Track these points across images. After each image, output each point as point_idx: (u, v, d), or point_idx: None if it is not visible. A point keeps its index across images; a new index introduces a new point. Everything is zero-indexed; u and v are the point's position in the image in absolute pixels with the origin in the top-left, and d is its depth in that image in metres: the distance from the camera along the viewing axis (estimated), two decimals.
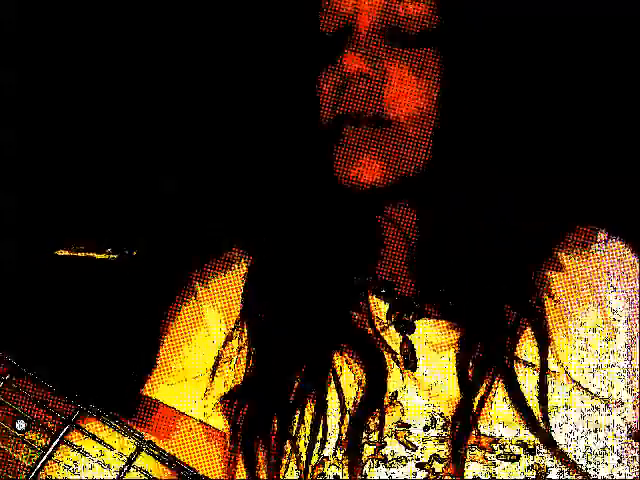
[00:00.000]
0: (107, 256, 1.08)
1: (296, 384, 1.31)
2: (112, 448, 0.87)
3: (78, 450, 0.86)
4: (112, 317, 1.46)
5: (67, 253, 1.07)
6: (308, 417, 1.29)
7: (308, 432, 1.28)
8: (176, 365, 1.38)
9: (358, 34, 1.28)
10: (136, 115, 1.65)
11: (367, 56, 1.27)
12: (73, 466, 0.85)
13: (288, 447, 1.28)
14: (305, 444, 1.28)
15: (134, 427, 0.92)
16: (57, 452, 0.83)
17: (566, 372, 1.29)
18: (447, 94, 1.28)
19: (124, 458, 0.85)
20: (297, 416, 1.30)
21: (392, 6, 1.27)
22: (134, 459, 0.85)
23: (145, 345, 1.38)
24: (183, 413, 1.35)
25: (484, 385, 1.29)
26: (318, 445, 1.27)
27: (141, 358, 1.37)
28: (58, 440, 0.82)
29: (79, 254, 1.05)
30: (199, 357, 1.38)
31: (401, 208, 1.36)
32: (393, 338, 1.35)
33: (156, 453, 0.86)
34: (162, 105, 1.66)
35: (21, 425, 0.82)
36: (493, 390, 1.29)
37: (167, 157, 1.65)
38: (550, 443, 1.25)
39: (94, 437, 0.88)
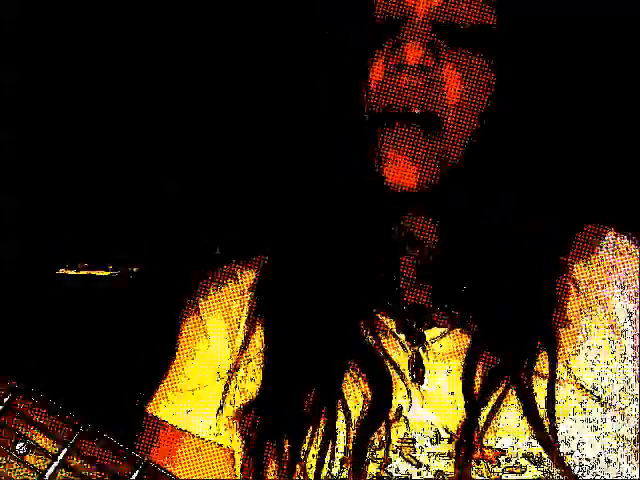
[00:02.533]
0: (108, 273, 1.08)
1: (307, 402, 1.30)
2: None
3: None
4: (116, 334, 1.45)
5: (68, 271, 1.06)
6: (318, 435, 1.28)
7: (317, 451, 1.27)
8: (181, 381, 1.37)
9: (418, 24, 1.24)
10: (137, 115, 1.64)
11: (428, 48, 1.24)
12: None
13: (298, 465, 1.27)
14: (313, 463, 1.27)
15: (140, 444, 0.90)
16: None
17: (575, 379, 1.28)
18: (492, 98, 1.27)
19: None
20: (309, 434, 1.28)
21: (451, 1, 1.24)
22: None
23: (149, 362, 1.37)
24: (188, 432, 1.34)
25: (494, 395, 1.27)
26: (327, 463, 1.26)
27: (145, 375, 1.36)
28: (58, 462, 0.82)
29: (81, 272, 1.05)
30: (203, 371, 1.37)
31: (412, 217, 1.33)
32: (400, 351, 1.34)
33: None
34: (164, 105, 1.65)
35: (22, 448, 0.82)
36: (503, 400, 1.27)
37: (167, 157, 1.65)
38: (558, 458, 1.23)
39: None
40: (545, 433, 1.23)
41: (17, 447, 0.82)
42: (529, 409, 1.25)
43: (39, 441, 0.83)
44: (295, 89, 1.38)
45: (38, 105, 1.60)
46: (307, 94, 1.35)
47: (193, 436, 1.35)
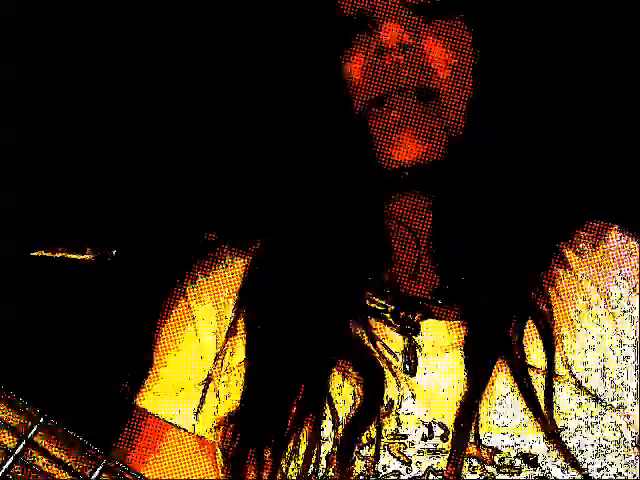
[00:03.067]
0: (84, 256, 1.03)
1: (293, 408, 1.26)
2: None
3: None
4: (98, 321, 1.42)
5: (43, 254, 1.02)
6: (304, 436, 1.24)
7: (302, 452, 1.24)
8: (167, 372, 1.34)
9: (391, 5, 1.24)
10: (136, 113, 1.62)
11: (402, 27, 1.23)
12: None
13: (281, 469, 1.24)
14: (299, 463, 1.23)
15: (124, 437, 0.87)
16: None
17: (571, 374, 1.25)
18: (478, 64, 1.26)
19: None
20: (292, 439, 1.25)
21: None
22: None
23: (135, 351, 1.35)
24: (173, 424, 1.31)
25: (489, 387, 1.24)
26: (311, 469, 1.23)
27: (131, 365, 1.33)
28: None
29: (56, 254, 1.00)
30: (190, 362, 1.34)
31: (410, 205, 1.31)
32: (394, 343, 1.30)
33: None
34: (163, 102, 1.63)
35: None
36: (497, 394, 1.24)
37: (166, 155, 1.62)
38: (559, 444, 1.21)
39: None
40: (548, 425, 1.21)
41: None
42: (527, 398, 1.23)
43: None
44: (288, 78, 1.36)
45: (37, 104, 1.58)
46: (300, 84, 1.34)
47: (177, 428, 1.31)
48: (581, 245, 1.34)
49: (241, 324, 1.34)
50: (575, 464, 1.20)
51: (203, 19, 1.59)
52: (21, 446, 0.77)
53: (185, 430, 1.31)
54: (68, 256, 1.02)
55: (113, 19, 1.58)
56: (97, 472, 0.80)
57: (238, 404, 1.30)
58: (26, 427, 0.78)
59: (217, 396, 1.32)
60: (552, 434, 1.21)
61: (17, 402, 0.80)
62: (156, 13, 1.59)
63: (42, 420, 0.79)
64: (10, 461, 0.76)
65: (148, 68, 1.61)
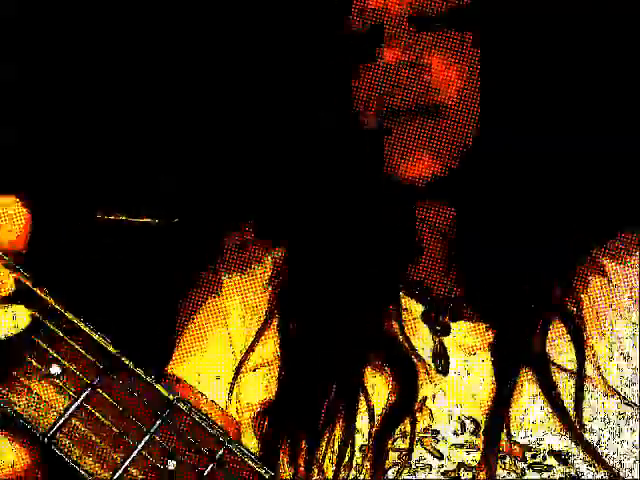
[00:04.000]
0: (148, 220, 1.05)
1: (327, 401, 1.28)
2: None
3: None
4: (147, 286, 1.43)
5: (108, 217, 1.04)
6: (337, 434, 1.26)
7: (336, 449, 1.25)
8: (194, 363, 1.35)
9: (391, 26, 1.26)
10: (137, 112, 1.63)
11: (405, 45, 1.25)
12: None
13: (315, 466, 1.25)
14: (333, 459, 1.24)
15: None
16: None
17: (602, 377, 1.26)
18: (485, 77, 1.27)
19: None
20: (327, 434, 1.26)
21: None
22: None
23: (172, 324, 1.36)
24: (204, 395, 1.32)
25: (518, 387, 1.25)
26: (345, 462, 1.24)
27: (169, 335, 1.34)
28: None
29: (121, 217, 1.02)
30: (216, 356, 1.35)
31: (437, 208, 1.33)
32: (425, 341, 1.32)
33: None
34: (165, 100, 1.64)
35: (55, 370, 0.80)
36: (528, 393, 1.25)
37: (167, 155, 1.63)
38: (586, 446, 1.22)
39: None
40: (572, 424, 1.22)
41: (51, 370, 0.80)
42: (551, 399, 1.24)
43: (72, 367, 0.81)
44: (301, 87, 1.38)
45: (36, 102, 1.59)
46: (313, 93, 1.36)
47: (207, 399, 1.33)
48: (616, 252, 1.36)
49: (274, 321, 1.36)
50: (604, 464, 1.21)
51: (205, 17, 1.61)
52: (97, 379, 0.79)
53: (217, 405, 1.32)
54: (132, 220, 1.04)
55: (113, 19, 1.60)
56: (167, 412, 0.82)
57: (274, 395, 1.31)
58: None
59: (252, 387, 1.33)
60: (578, 436, 1.22)
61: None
62: (156, 13, 1.61)
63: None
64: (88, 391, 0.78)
65: (153, 67, 1.62)
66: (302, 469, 1.25)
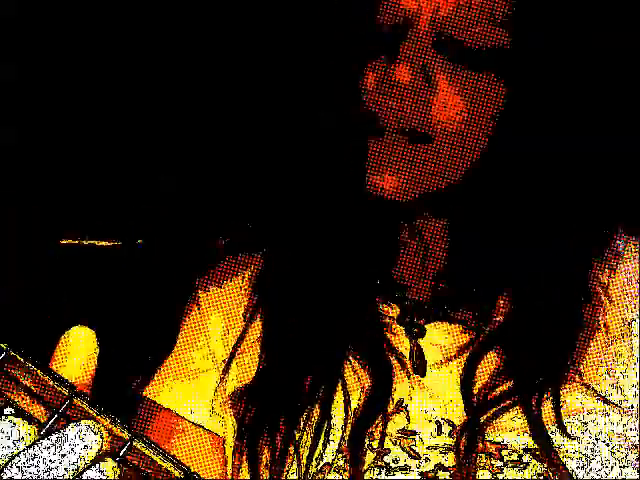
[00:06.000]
0: (112, 244, 1.06)
1: (306, 386, 1.29)
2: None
3: None
4: (115, 310, 1.44)
5: (71, 242, 1.05)
6: (314, 420, 1.28)
7: (311, 435, 1.27)
8: (179, 368, 1.37)
9: (414, 40, 1.18)
10: (136, 112, 1.63)
11: (419, 68, 1.18)
12: None
13: (292, 449, 1.26)
14: (307, 447, 1.26)
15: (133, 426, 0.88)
16: None
17: (584, 383, 1.26)
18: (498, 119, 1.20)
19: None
20: (303, 418, 1.28)
21: (459, 15, 1.16)
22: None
23: (149, 344, 1.37)
24: (183, 417, 1.34)
25: (495, 393, 1.26)
26: (320, 449, 1.25)
27: (144, 357, 1.35)
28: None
29: (84, 242, 1.03)
30: (202, 361, 1.37)
31: (421, 216, 1.32)
32: (402, 343, 1.33)
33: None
34: (165, 100, 1.64)
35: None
36: (504, 400, 1.25)
37: (167, 155, 1.64)
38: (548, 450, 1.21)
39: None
40: (550, 448, 1.21)
41: (5, 411, 0.81)
42: (535, 428, 1.22)
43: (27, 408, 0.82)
44: (295, 89, 1.37)
45: (37, 102, 1.59)
46: (307, 94, 1.34)
47: (188, 422, 1.34)
48: (607, 261, 1.32)
49: (252, 327, 1.37)
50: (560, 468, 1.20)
51: (206, 16, 1.60)
52: (53, 419, 0.80)
53: (195, 424, 1.34)
54: (97, 243, 1.04)
55: (113, 19, 1.60)
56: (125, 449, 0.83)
57: (252, 379, 1.33)
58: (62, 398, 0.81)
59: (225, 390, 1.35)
60: (546, 445, 1.21)
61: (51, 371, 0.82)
62: (156, 13, 1.60)
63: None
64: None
65: (153, 67, 1.62)
66: (278, 452, 1.26)
